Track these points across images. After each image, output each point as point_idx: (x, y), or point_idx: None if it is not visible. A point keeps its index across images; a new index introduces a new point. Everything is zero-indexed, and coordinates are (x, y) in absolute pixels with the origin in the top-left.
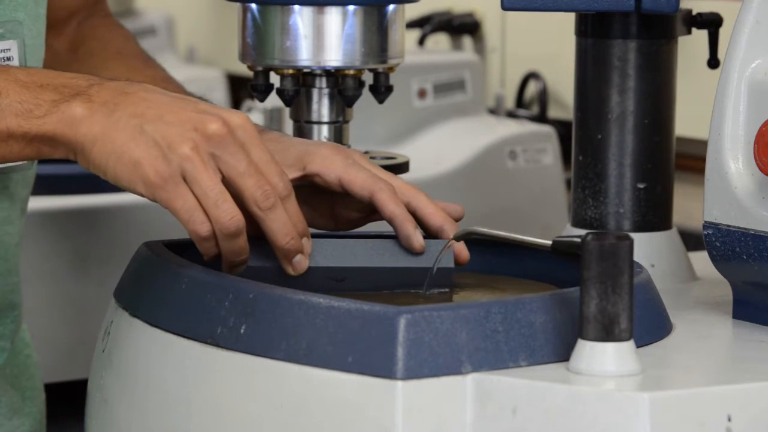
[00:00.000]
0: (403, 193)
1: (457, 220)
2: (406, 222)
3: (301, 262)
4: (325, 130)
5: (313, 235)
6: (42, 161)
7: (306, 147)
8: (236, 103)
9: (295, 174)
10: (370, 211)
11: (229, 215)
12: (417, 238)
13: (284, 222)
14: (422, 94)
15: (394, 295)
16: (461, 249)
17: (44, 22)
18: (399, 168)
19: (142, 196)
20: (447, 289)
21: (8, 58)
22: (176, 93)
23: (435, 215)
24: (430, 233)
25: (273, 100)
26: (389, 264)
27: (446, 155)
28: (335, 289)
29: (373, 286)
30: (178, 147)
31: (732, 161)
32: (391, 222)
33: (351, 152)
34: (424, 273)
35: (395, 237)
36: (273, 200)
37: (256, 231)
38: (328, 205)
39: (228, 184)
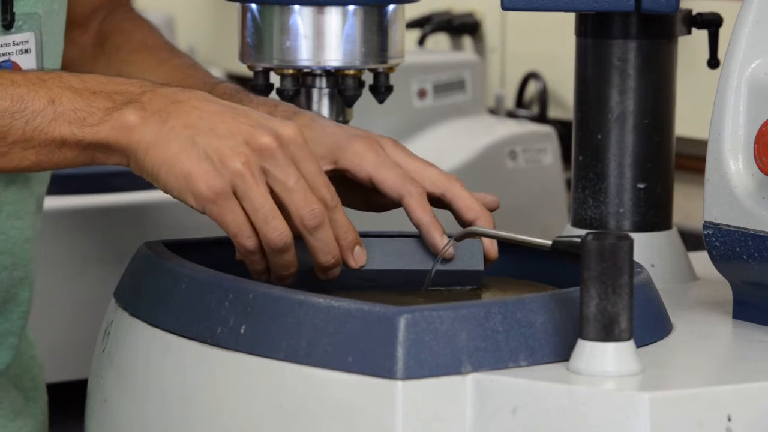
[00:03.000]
0: (437, 185)
1: (492, 210)
2: (433, 230)
3: (335, 274)
4: None
5: None
6: None
7: (338, 138)
8: None
9: (326, 167)
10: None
11: (278, 231)
12: (444, 244)
13: (328, 242)
14: (422, 94)
15: (397, 295)
16: (490, 248)
17: (62, 18)
18: None
19: (191, 207)
20: (476, 287)
21: (26, 50)
22: (206, 80)
23: (469, 209)
24: (463, 226)
25: None
26: (419, 266)
27: (446, 155)
28: (365, 289)
29: (403, 287)
30: (230, 162)
31: (732, 161)
32: (418, 228)
33: (384, 143)
34: (454, 274)
35: None
36: (319, 220)
37: (298, 233)
38: (361, 189)
39: (276, 197)
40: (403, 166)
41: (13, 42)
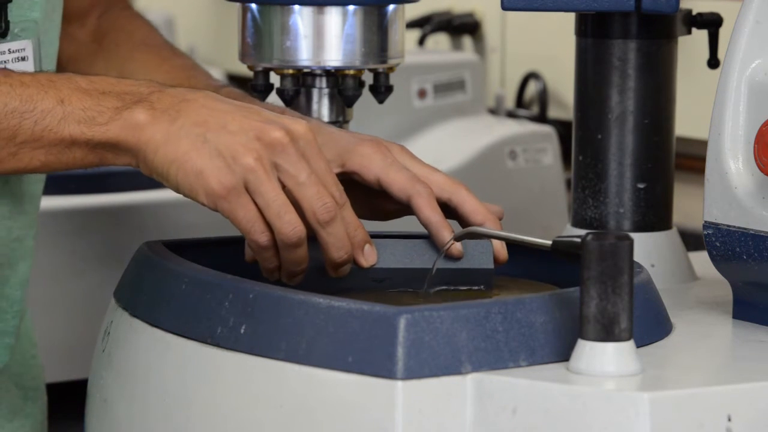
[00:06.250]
0: (443, 189)
1: (499, 219)
2: (442, 229)
3: (346, 271)
4: None
5: None
6: None
7: (346, 142)
8: None
9: (334, 170)
10: (409, 204)
11: (291, 226)
12: (453, 244)
13: (340, 237)
14: (422, 94)
15: (397, 295)
16: (500, 249)
17: (59, 19)
18: None
19: (203, 204)
20: (483, 288)
21: (23, 58)
22: (208, 82)
23: (476, 212)
24: None
25: (273, 100)
26: (429, 265)
27: (446, 155)
28: (375, 289)
29: (411, 286)
30: (242, 158)
31: (732, 161)
32: (426, 228)
33: (392, 148)
34: (463, 273)
35: None
36: (332, 214)
37: (310, 231)
38: (367, 196)
39: (288, 192)
40: (411, 170)
41: (9, 50)
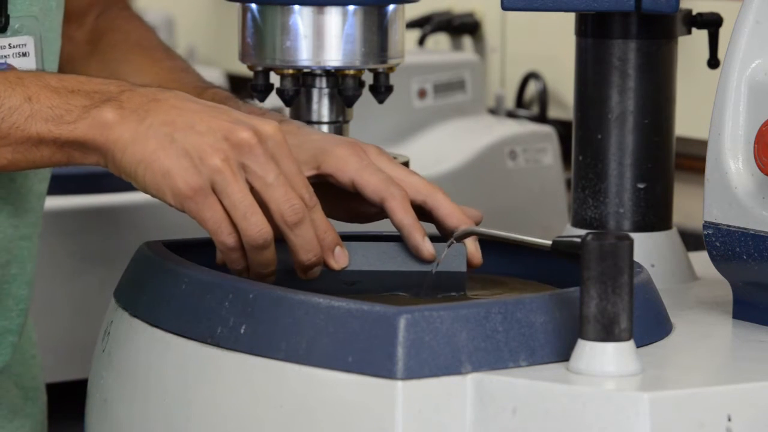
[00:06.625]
0: (419, 191)
1: (476, 223)
2: (414, 231)
3: (316, 273)
4: (324, 130)
5: None
6: None
7: (322, 144)
8: None
9: (309, 172)
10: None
11: (258, 228)
12: (425, 247)
13: (309, 239)
14: (422, 94)
15: (396, 296)
16: (474, 252)
17: (60, 15)
18: None
19: (170, 205)
20: (457, 293)
21: (24, 53)
22: (196, 84)
23: (451, 216)
24: (444, 233)
25: (273, 100)
26: (400, 267)
27: (446, 155)
28: (346, 292)
29: (384, 289)
30: (209, 158)
31: (732, 161)
32: (399, 230)
33: (368, 150)
34: (436, 276)
35: None
36: (300, 215)
37: (279, 234)
38: (344, 200)
39: (255, 193)
40: (387, 172)
41: (9, 45)
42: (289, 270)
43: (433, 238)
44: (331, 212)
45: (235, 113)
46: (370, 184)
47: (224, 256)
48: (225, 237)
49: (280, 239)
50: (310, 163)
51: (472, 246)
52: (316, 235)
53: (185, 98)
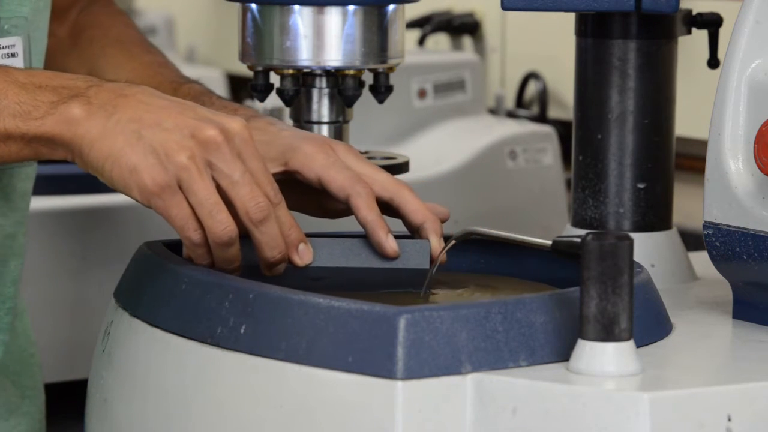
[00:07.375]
0: (386, 189)
1: (442, 221)
2: (378, 229)
3: (280, 270)
4: (325, 130)
5: None
6: (42, 161)
7: (290, 141)
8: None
9: (276, 169)
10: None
11: (223, 225)
12: (389, 244)
13: (274, 236)
14: (422, 94)
15: (394, 295)
16: (437, 248)
17: (47, 15)
18: (399, 168)
19: (137, 200)
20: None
21: (13, 54)
22: (173, 78)
23: (416, 212)
24: (411, 230)
25: (273, 100)
26: (364, 264)
27: (446, 155)
28: (312, 288)
29: (349, 285)
30: (176, 155)
31: (732, 161)
32: (363, 227)
33: (336, 147)
34: (400, 273)
35: None
36: (265, 213)
37: (244, 230)
38: (314, 196)
39: (221, 191)
40: (354, 169)
41: None
42: (253, 266)
43: (398, 236)
44: (301, 208)
45: (202, 110)
46: (336, 181)
47: (190, 252)
48: (191, 233)
49: (245, 236)
50: (277, 160)
51: (435, 242)
52: (280, 232)
53: (153, 94)
